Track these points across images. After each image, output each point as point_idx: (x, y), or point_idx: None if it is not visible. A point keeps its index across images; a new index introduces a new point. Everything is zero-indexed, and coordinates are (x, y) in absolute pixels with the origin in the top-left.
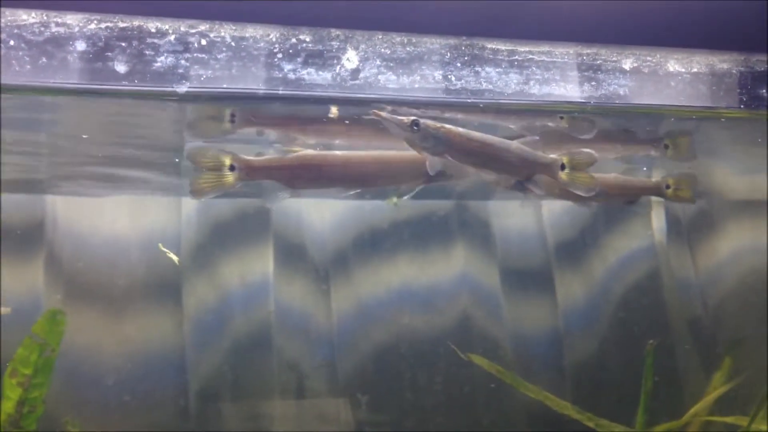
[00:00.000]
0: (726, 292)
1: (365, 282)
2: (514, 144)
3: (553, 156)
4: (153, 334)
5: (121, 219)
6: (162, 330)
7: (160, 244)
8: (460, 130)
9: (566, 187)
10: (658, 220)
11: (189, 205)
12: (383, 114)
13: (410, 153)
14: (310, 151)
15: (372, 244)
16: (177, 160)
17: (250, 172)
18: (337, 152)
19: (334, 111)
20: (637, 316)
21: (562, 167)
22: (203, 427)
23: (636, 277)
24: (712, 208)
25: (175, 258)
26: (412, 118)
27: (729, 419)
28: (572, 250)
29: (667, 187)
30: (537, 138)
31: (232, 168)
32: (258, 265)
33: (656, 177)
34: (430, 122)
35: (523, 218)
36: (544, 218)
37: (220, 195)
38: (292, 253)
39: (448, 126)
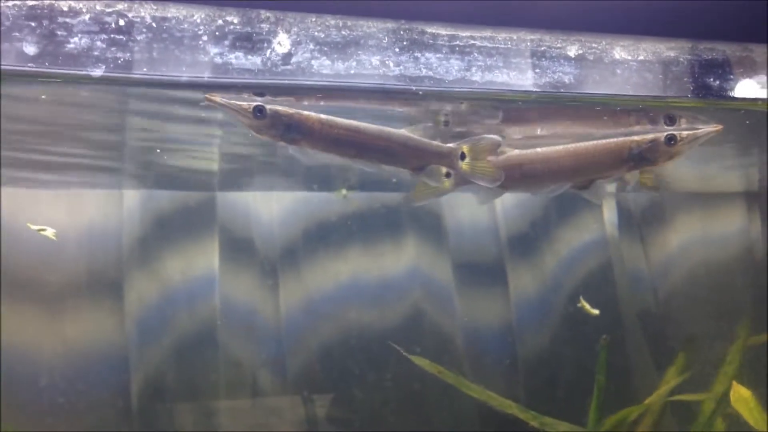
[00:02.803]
0: (677, 285)
1: (314, 276)
2: (399, 132)
3: (450, 145)
4: (93, 333)
5: (60, 213)
6: (102, 328)
7: (28, 224)
8: (322, 116)
9: (467, 178)
10: (609, 212)
11: (130, 198)
12: (217, 99)
13: (610, 141)
14: (516, 152)
15: (321, 237)
16: (158, 151)
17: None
18: (540, 150)
19: None
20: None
21: (462, 156)
22: (146, 427)
23: (588, 270)
24: (663, 200)
25: (51, 234)
26: (255, 103)
27: (678, 398)
28: (525, 243)
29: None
30: (430, 125)
31: (448, 175)
32: (203, 260)
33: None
34: (280, 108)
35: (475, 211)
36: (497, 211)
37: None
38: (239, 247)
39: (304, 112)
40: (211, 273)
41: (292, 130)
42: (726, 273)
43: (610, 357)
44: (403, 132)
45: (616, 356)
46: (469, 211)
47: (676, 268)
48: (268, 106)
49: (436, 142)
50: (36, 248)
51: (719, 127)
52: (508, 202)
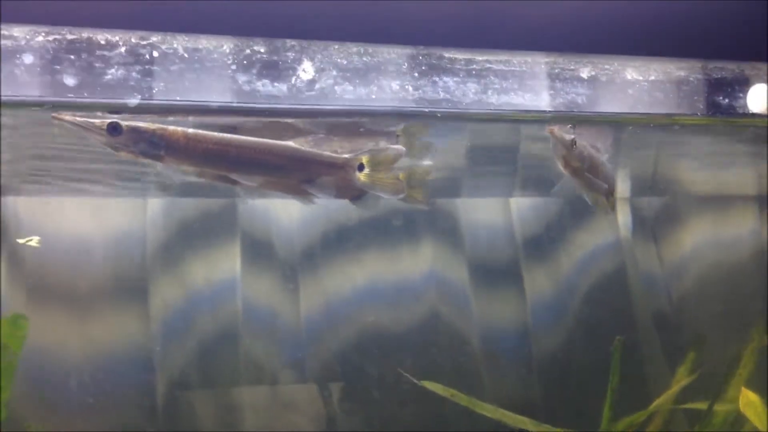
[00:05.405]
0: (690, 288)
1: (333, 280)
2: (283, 144)
3: (346, 155)
4: (120, 336)
5: (86, 220)
6: (129, 331)
7: (17, 239)
8: (189, 130)
9: (367, 190)
10: (623, 215)
11: (154, 205)
12: (66, 117)
13: None
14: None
15: (339, 241)
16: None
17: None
18: None
19: None
20: (603, 310)
21: (361, 167)
22: (171, 427)
23: (602, 272)
24: (676, 203)
25: (35, 242)
26: (110, 120)
27: (690, 405)
28: (540, 246)
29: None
30: (322, 135)
31: None
32: (225, 265)
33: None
34: (142, 123)
35: (491, 214)
36: (512, 213)
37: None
38: (260, 252)
39: (169, 127)
40: (233, 278)
41: (154, 146)
42: (739, 275)
43: (624, 359)
44: (289, 144)
45: (630, 358)
46: (484, 214)
47: (690, 271)
48: (124, 123)
49: (328, 153)
50: (63, 255)
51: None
52: (523, 205)
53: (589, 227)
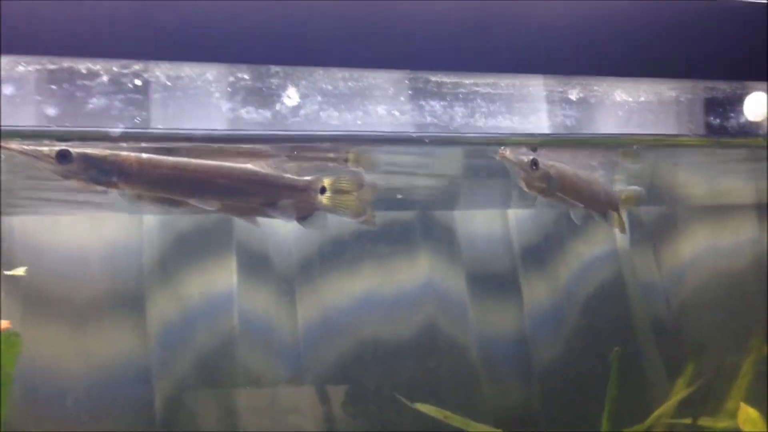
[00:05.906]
0: (689, 297)
1: (330, 292)
2: (242, 167)
3: (308, 178)
4: (116, 349)
5: (81, 235)
6: (125, 346)
7: (4, 271)
8: (143, 155)
9: (329, 212)
10: None
11: (150, 220)
12: (14, 146)
13: None
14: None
15: (336, 253)
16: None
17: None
18: None
19: None
20: (602, 320)
21: (323, 190)
22: None
23: (600, 281)
24: (675, 213)
25: (22, 271)
26: (59, 148)
27: (688, 420)
28: (538, 256)
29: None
30: (285, 158)
31: None
32: (221, 278)
33: None
34: (90, 150)
35: (489, 224)
36: (510, 223)
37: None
38: (256, 265)
39: (122, 153)
40: (230, 291)
41: (105, 173)
42: (739, 284)
43: (623, 368)
44: (248, 166)
45: (629, 367)
46: (482, 223)
47: (689, 280)
48: (74, 150)
49: (290, 176)
50: (59, 270)
51: None
52: (521, 215)
53: (587, 237)
